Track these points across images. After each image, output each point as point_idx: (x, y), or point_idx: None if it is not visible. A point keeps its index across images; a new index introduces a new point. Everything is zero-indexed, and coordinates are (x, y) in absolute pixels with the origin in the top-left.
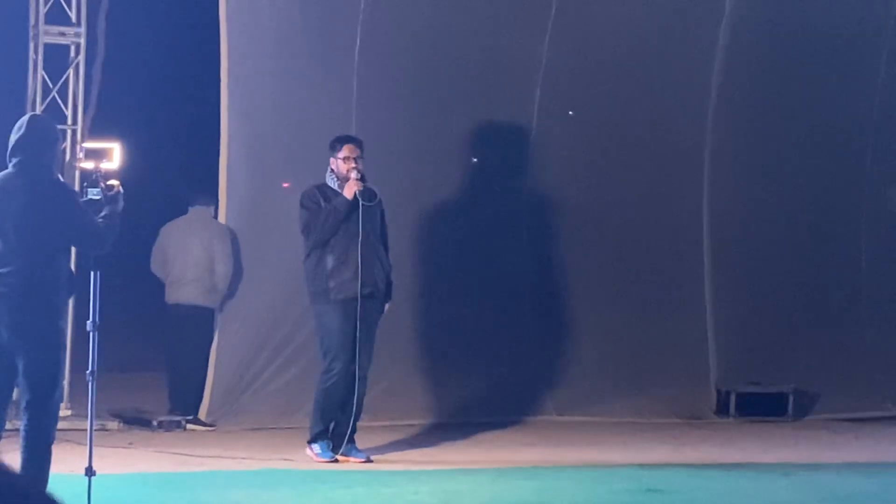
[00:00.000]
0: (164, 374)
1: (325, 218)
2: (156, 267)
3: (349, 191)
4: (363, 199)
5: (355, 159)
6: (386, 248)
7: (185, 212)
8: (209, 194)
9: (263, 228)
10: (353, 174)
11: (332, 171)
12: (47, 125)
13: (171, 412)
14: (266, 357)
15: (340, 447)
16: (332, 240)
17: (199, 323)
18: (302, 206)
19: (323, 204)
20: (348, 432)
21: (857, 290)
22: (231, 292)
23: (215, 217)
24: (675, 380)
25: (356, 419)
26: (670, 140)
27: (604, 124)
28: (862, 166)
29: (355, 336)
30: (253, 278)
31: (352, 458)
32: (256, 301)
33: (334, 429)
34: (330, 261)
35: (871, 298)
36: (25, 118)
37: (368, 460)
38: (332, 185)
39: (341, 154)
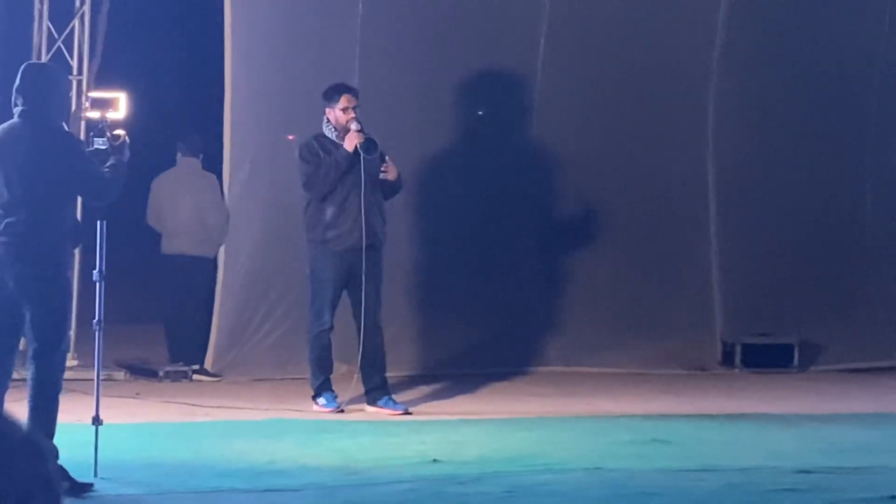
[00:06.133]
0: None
1: (327, 171)
2: (152, 219)
3: (350, 143)
4: (364, 152)
5: (353, 109)
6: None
7: (174, 163)
8: (195, 143)
9: (266, 179)
10: (354, 125)
11: (329, 121)
12: (52, 74)
13: (171, 362)
14: (267, 308)
15: (377, 401)
16: None
17: (195, 273)
18: (302, 158)
19: (322, 155)
20: (380, 385)
21: (862, 241)
22: (227, 241)
23: (206, 166)
24: (680, 331)
25: (384, 370)
26: (675, 92)
27: (608, 76)
28: (866, 118)
29: (346, 287)
30: (252, 229)
31: (388, 410)
32: (256, 252)
33: (366, 385)
34: (329, 211)
35: (876, 248)
36: (23, 66)
37: (407, 412)
38: (329, 136)
39: (340, 105)
